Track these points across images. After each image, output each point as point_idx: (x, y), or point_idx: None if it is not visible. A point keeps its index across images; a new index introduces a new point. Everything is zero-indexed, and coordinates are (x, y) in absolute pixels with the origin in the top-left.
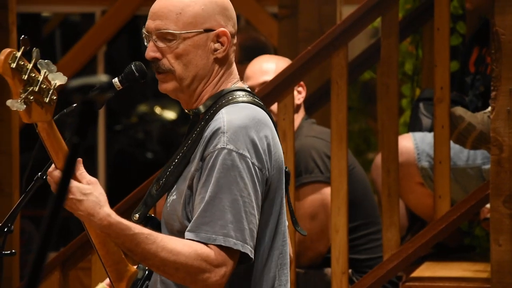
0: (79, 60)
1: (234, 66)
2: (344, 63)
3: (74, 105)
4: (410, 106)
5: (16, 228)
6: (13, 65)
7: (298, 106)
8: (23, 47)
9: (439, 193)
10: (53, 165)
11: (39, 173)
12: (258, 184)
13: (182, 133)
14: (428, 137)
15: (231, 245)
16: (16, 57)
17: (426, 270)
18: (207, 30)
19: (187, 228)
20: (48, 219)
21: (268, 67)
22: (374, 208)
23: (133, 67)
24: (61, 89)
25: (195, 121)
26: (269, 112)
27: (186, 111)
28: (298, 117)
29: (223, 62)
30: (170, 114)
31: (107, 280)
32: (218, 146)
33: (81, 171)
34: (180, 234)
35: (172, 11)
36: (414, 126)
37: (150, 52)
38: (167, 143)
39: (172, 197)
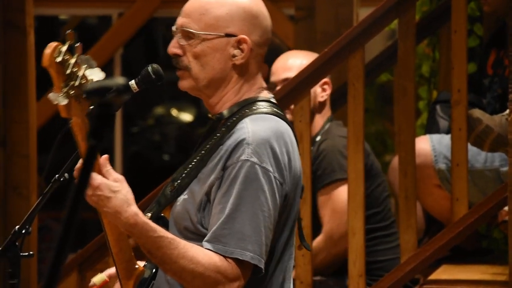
0: (96, 62)
1: (259, 75)
2: (361, 65)
3: (91, 107)
4: (427, 108)
5: (33, 230)
6: (58, 59)
7: (322, 104)
8: (68, 42)
9: (457, 196)
10: (81, 161)
11: (56, 175)
12: (278, 199)
13: (199, 135)
14: (446, 139)
15: (248, 259)
16: (61, 51)
17: (443, 273)
18: (228, 35)
19: (205, 238)
20: (66, 220)
21: (292, 63)
22: (389, 211)
23: (149, 70)
24: None
25: (215, 125)
26: (291, 124)
27: (209, 115)
28: (323, 116)
29: (242, 69)
30: (186, 116)
31: (107, 271)
32: (242, 158)
33: (107, 167)
34: (188, 231)
35: (197, 11)
36: (431, 128)
37: (172, 47)
38: (183, 146)
39: (184, 196)
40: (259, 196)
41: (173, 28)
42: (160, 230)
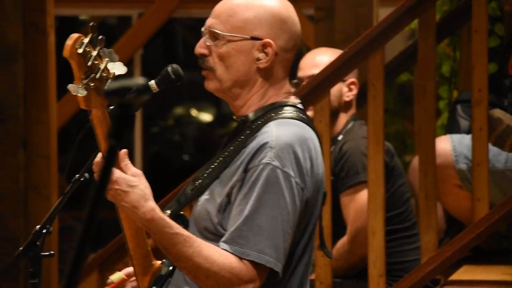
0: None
1: (284, 80)
2: (381, 65)
3: (111, 107)
4: (448, 108)
5: (54, 229)
6: (80, 51)
7: (347, 103)
8: (90, 34)
9: (478, 196)
10: (100, 156)
11: (77, 175)
12: (298, 204)
13: (219, 135)
14: (466, 139)
15: (264, 262)
16: (83, 43)
17: (464, 273)
18: (254, 38)
19: (222, 239)
20: (86, 220)
21: (320, 60)
22: (411, 212)
23: (169, 70)
24: None
25: (240, 128)
26: (315, 129)
27: (234, 117)
28: (348, 115)
29: (267, 73)
30: (206, 117)
31: (125, 270)
32: (264, 161)
33: (126, 162)
34: (207, 232)
35: (225, 13)
36: (451, 128)
37: (199, 47)
38: (203, 146)
39: (205, 196)
40: (279, 200)
41: (202, 28)
42: (177, 227)
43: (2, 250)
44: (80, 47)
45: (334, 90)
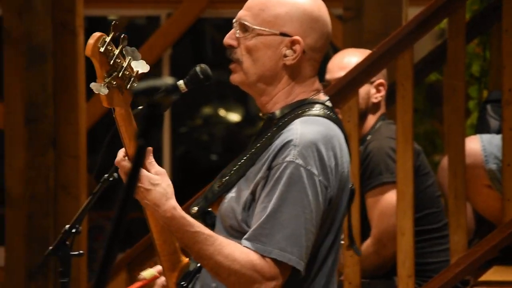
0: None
1: (313, 79)
2: (410, 65)
3: (140, 107)
4: (478, 108)
5: (83, 229)
6: (102, 49)
7: (375, 105)
8: (112, 32)
9: (508, 196)
10: (121, 154)
11: (106, 175)
12: (321, 202)
13: (247, 135)
14: (496, 139)
15: (286, 260)
16: (105, 41)
17: (494, 274)
18: (283, 34)
19: (245, 236)
20: (115, 220)
21: (348, 61)
22: (441, 213)
23: (198, 70)
24: None
25: (267, 125)
26: (343, 128)
27: (260, 115)
28: (376, 116)
29: (294, 71)
30: (234, 117)
31: (157, 267)
32: (287, 159)
33: (150, 160)
34: (232, 230)
35: (257, 6)
36: (481, 128)
37: (227, 38)
38: (231, 146)
39: (231, 194)
40: (302, 198)
41: (234, 19)
42: (197, 226)
43: (32, 249)
44: (102, 46)
45: (362, 92)
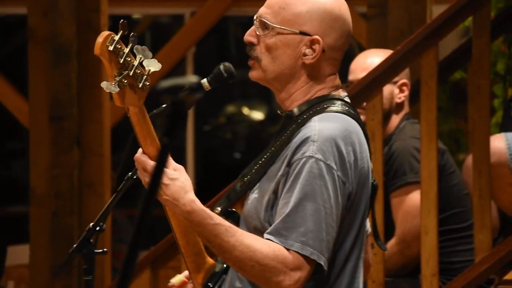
0: (168, 61)
1: (332, 76)
2: (434, 63)
3: (164, 106)
4: (502, 106)
5: (107, 227)
6: (111, 48)
7: (399, 105)
8: (121, 31)
9: None
10: (140, 150)
11: (130, 173)
12: (340, 197)
13: (270, 133)
14: None
15: (308, 254)
16: (114, 40)
17: None
18: (303, 33)
19: (267, 231)
20: (139, 218)
21: (371, 62)
22: (468, 212)
23: (221, 68)
24: (150, 90)
25: (286, 123)
26: (362, 124)
27: (279, 112)
28: (400, 115)
29: (313, 70)
30: (257, 115)
31: (186, 273)
32: (307, 154)
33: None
34: (257, 231)
35: (278, 4)
36: (506, 126)
37: (248, 35)
38: (254, 144)
39: (254, 195)
40: (322, 192)
41: (254, 16)
42: (217, 218)
43: (57, 247)
44: (111, 45)
45: (386, 92)
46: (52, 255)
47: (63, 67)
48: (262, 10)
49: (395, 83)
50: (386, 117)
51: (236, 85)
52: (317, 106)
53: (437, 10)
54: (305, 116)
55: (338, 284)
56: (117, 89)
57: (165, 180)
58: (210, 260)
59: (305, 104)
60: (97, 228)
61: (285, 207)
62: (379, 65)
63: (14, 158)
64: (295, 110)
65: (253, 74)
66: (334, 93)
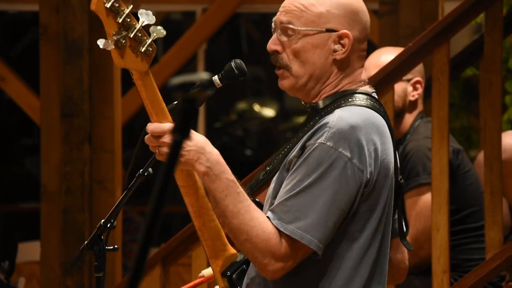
0: (180, 58)
1: (360, 70)
2: (446, 59)
3: (175, 102)
4: None
5: (118, 224)
6: (108, 5)
7: (412, 103)
8: None
9: None
10: (148, 127)
11: (141, 170)
12: (350, 184)
13: (281, 130)
14: None
15: (299, 238)
16: None
17: None
18: (329, 30)
19: (269, 208)
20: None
21: (385, 60)
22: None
23: (233, 65)
24: (162, 87)
25: (311, 115)
26: (388, 119)
27: (303, 102)
28: (414, 114)
29: (342, 64)
30: (269, 112)
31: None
32: (319, 140)
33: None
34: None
35: (298, 7)
36: None
37: (271, 44)
38: (266, 140)
39: (273, 184)
40: (327, 180)
41: (273, 24)
42: (235, 178)
43: (68, 244)
44: (108, 2)
45: (399, 90)
46: (63, 252)
47: (74, 63)
48: (281, 16)
49: (408, 80)
50: (399, 115)
51: (247, 82)
52: (342, 99)
53: (449, 7)
54: (329, 109)
55: (356, 276)
56: (112, 46)
57: (190, 136)
58: (231, 250)
59: (330, 97)
60: (108, 225)
61: (287, 188)
62: (391, 62)
63: (27, 154)
64: (320, 103)
65: (284, 83)
66: (361, 88)
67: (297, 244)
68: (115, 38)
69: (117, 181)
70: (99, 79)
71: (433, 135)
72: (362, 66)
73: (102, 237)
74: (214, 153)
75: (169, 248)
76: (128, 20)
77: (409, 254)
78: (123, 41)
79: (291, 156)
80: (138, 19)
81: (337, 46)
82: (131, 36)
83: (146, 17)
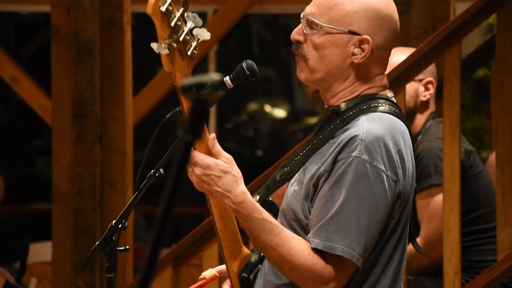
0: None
1: (380, 76)
2: (458, 60)
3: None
4: None
5: (129, 224)
6: (163, 8)
7: (424, 103)
8: None
9: None
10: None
11: (152, 171)
12: (388, 197)
13: (292, 131)
14: None
15: (349, 256)
16: (166, 1)
17: None
18: (352, 33)
19: (311, 232)
20: (162, 215)
21: (396, 60)
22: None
23: (244, 66)
24: (172, 88)
25: (331, 118)
26: (408, 125)
27: (326, 107)
28: (425, 115)
29: (360, 69)
30: (279, 112)
31: (218, 268)
32: (353, 154)
33: (216, 147)
34: (294, 222)
35: (326, 3)
36: None
37: (295, 33)
38: (276, 141)
39: (293, 187)
40: (367, 194)
41: (301, 14)
42: (266, 214)
43: (79, 244)
44: (163, 5)
45: (410, 90)
46: (74, 252)
47: (86, 64)
48: (309, 9)
49: (420, 81)
50: (411, 115)
51: (258, 83)
52: (363, 104)
53: (460, 7)
54: (351, 113)
55: (379, 284)
56: (167, 51)
57: (218, 172)
58: (246, 250)
59: (352, 101)
60: (119, 226)
61: (328, 206)
62: (402, 62)
63: (38, 155)
64: (342, 106)
65: (301, 75)
66: (381, 93)
67: (346, 263)
68: (168, 42)
69: (128, 182)
70: (111, 80)
71: (444, 136)
72: (383, 72)
73: (114, 237)
74: (238, 194)
75: (180, 249)
76: (179, 23)
77: (421, 255)
78: (174, 45)
79: (320, 169)
80: (185, 21)
81: (357, 50)
82: (181, 39)
83: (193, 19)
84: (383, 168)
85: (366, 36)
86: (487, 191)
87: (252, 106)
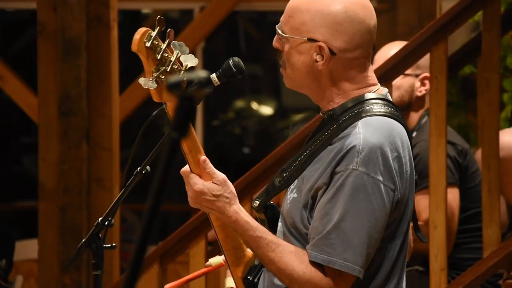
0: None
1: (363, 74)
2: (444, 57)
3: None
4: None
5: (116, 222)
6: (148, 44)
7: (419, 99)
8: (158, 27)
9: None
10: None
11: (139, 168)
12: (386, 206)
13: (279, 128)
14: None
15: (349, 270)
16: (151, 36)
17: None
18: (311, 40)
19: (309, 245)
20: (148, 212)
21: (393, 53)
22: None
23: (231, 63)
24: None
25: (326, 122)
26: (405, 124)
27: (321, 113)
28: (418, 112)
29: (331, 74)
30: (267, 110)
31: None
32: (351, 167)
33: (209, 169)
34: (293, 229)
35: (287, 13)
36: None
37: (274, 41)
38: (263, 138)
39: (293, 194)
40: (366, 207)
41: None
42: (260, 231)
43: (65, 242)
44: (148, 41)
45: (406, 85)
46: (60, 250)
47: (72, 61)
48: (281, 18)
49: (417, 76)
50: (405, 110)
51: (245, 80)
52: (359, 106)
53: (446, 5)
54: (346, 117)
55: (387, 286)
56: (155, 85)
57: (210, 196)
58: (249, 253)
59: (347, 102)
60: (106, 223)
61: (326, 219)
62: (388, 59)
63: (25, 153)
64: (337, 109)
65: (285, 83)
66: (375, 91)
67: (344, 275)
68: (155, 75)
69: (115, 179)
70: (97, 77)
71: (430, 133)
72: (364, 71)
73: (100, 235)
74: (231, 214)
75: (167, 246)
76: (166, 55)
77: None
78: (162, 77)
79: (319, 182)
80: (171, 50)
81: (319, 57)
82: (168, 70)
83: (179, 48)
84: (381, 179)
85: (321, 43)
86: (480, 191)
87: (239, 103)
